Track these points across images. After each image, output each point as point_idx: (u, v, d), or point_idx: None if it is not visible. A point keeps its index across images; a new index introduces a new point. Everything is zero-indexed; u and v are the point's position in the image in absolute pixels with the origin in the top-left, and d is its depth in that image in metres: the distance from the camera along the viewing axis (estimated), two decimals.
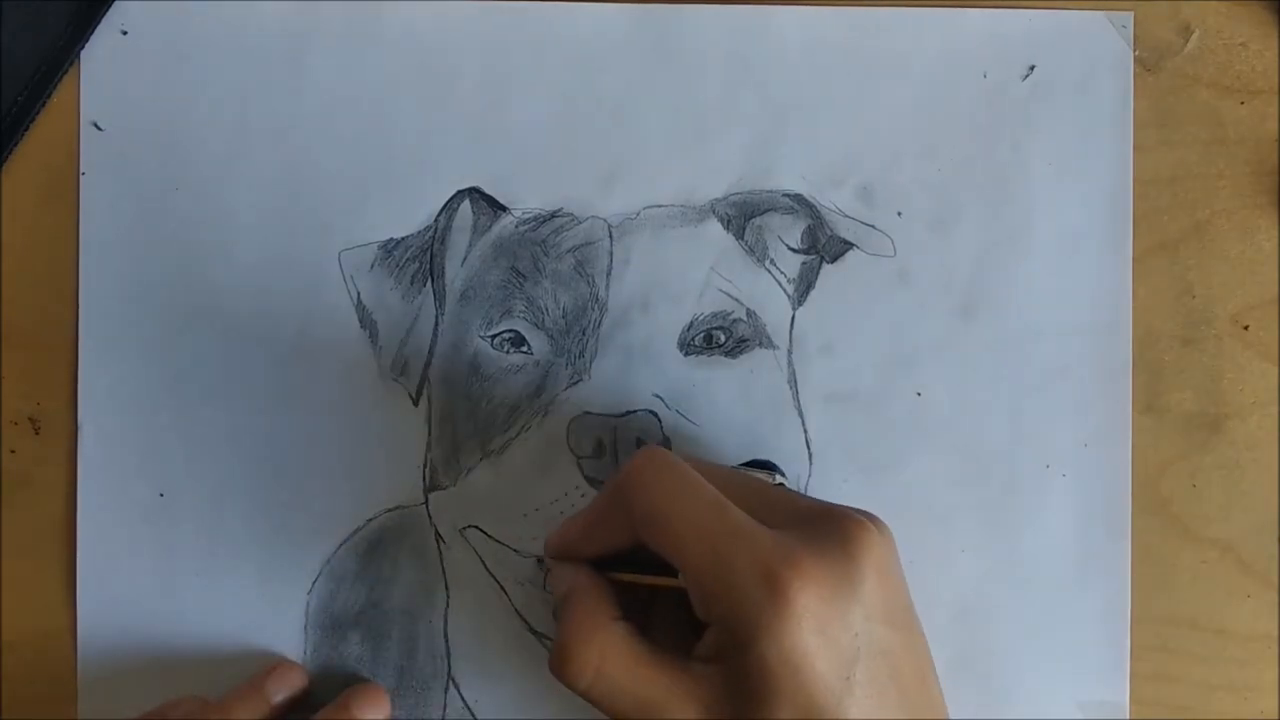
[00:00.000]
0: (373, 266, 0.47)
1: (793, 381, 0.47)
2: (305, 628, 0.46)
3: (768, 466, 0.45)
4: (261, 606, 0.46)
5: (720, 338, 0.47)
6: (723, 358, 0.47)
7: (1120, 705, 0.47)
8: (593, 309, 0.46)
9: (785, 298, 0.47)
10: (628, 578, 0.40)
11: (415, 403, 0.47)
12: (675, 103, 0.47)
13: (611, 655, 0.37)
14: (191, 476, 0.46)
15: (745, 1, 0.47)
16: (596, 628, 0.38)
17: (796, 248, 0.47)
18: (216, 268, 0.47)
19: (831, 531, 0.36)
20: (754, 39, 0.47)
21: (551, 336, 0.46)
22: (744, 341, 0.47)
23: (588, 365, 0.46)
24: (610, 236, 0.47)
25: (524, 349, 0.46)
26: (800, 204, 0.47)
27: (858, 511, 0.37)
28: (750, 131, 0.47)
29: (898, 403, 0.47)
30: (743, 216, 0.47)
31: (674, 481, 0.37)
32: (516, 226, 0.47)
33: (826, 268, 0.47)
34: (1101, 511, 0.47)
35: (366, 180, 0.47)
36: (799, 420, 0.47)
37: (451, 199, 0.47)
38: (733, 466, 0.43)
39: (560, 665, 0.37)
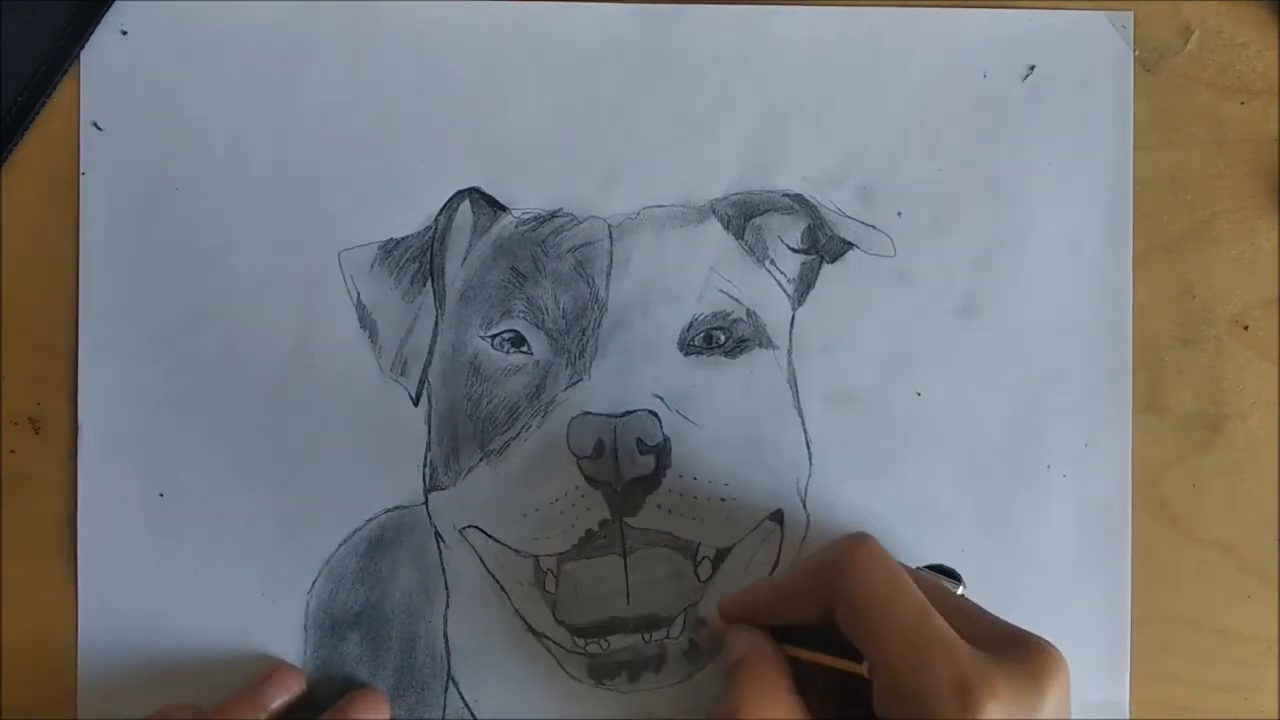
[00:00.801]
0: (373, 266, 0.47)
1: (793, 381, 0.47)
2: (305, 628, 0.46)
3: (951, 574, 0.44)
4: (261, 606, 0.46)
5: (720, 338, 0.47)
6: (723, 358, 0.47)
7: (1120, 705, 0.47)
8: (593, 309, 0.46)
9: (785, 298, 0.47)
10: (810, 655, 0.40)
11: (415, 403, 0.47)
12: (675, 103, 0.47)
13: None
14: (191, 476, 0.46)
15: (745, 1, 0.47)
16: (776, 702, 0.39)
17: (796, 248, 0.47)
18: (216, 267, 0.47)
19: (1025, 657, 0.37)
20: (754, 39, 0.47)
21: (551, 336, 0.46)
22: (744, 341, 0.47)
23: (588, 365, 0.46)
24: (610, 236, 0.47)
25: (524, 349, 0.46)
26: (800, 204, 0.47)
27: (1044, 642, 0.38)
28: (750, 131, 0.47)
29: (898, 403, 0.47)
30: (743, 216, 0.47)
31: (884, 575, 0.38)
32: (516, 226, 0.47)
33: (826, 268, 0.47)
34: (1101, 511, 0.47)
35: (366, 180, 0.47)
36: (799, 420, 0.47)
37: (451, 199, 0.47)
38: (918, 568, 0.43)
39: None
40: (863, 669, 0.38)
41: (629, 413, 0.45)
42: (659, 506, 0.45)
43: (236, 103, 0.47)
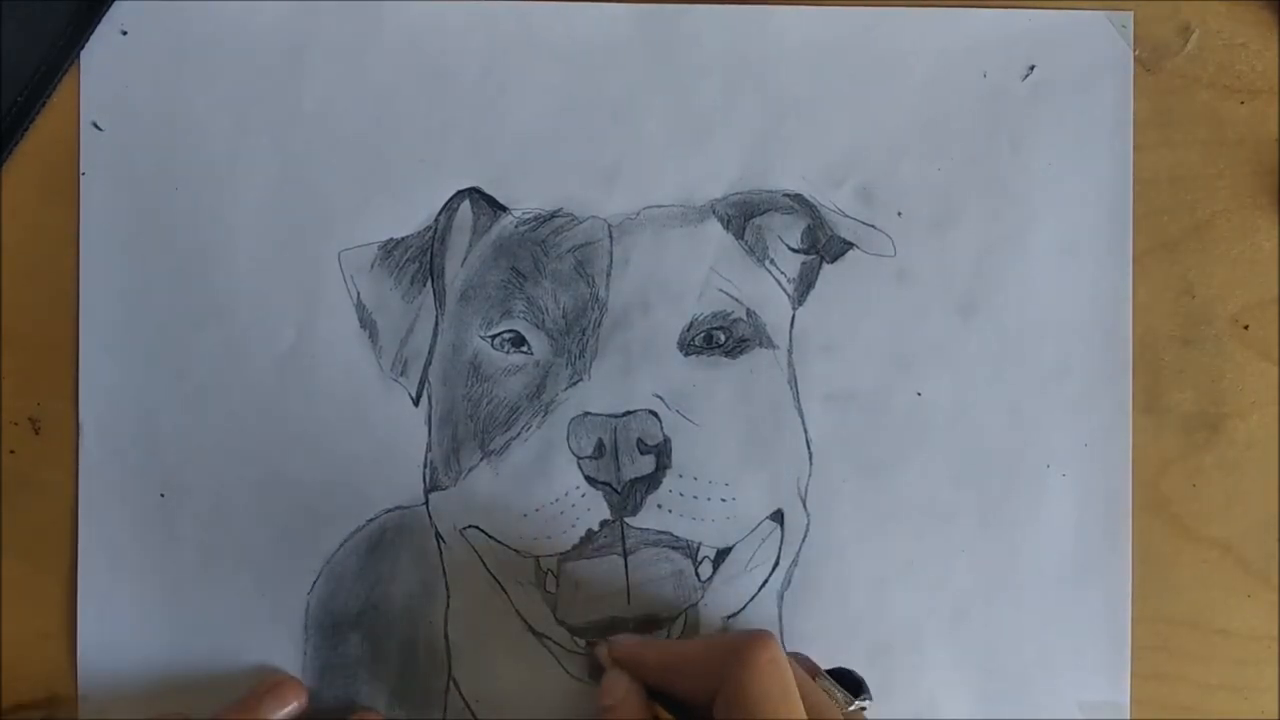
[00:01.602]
0: (373, 266, 0.47)
1: (793, 381, 0.47)
2: (305, 628, 0.46)
3: (855, 684, 0.44)
4: (261, 606, 0.46)
5: (720, 338, 0.47)
6: (723, 358, 0.47)
7: (1120, 705, 0.47)
8: (593, 309, 0.46)
9: (785, 298, 0.47)
10: None
11: (415, 403, 0.47)
12: (675, 103, 0.47)
13: None
14: (191, 476, 0.46)
15: (745, 1, 0.47)
16: None
17: (796, 248, 0.47)
18: (216, 268, 0.47)
19: None
20: (754, 39, 0.47)
21: (551, 336, 0.46)
22: (744, 341, 0.47)
23: (588, 365, 0.46)
24: (610, 236, 0.47)
25: (524, 349, 0.46)
26: (800, 204, 0.47)
27: None
28: (750, 131, 0.47)
29: (898, 403, 0.47)
30: (743, 216, 0.47)
31: (776, 686, 0.39)
32: (516, 226, 0.47)
33: (826, 268, 0.47)
34: (1101, 511, 0.47)
35: (366, 180, 0.47)
36: (799, 420, 0.47)
37: (451, 199, 0.47)
38: (825, 670, 0.43)
39: None
40: None
41: (629, 413, 0.45)
42: (659, 506, 0.45)
43: (236, 102, 0.47)
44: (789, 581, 0.47)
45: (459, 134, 0.47)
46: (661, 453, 0.45)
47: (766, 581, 0.47)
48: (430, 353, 0.47)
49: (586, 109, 0.47)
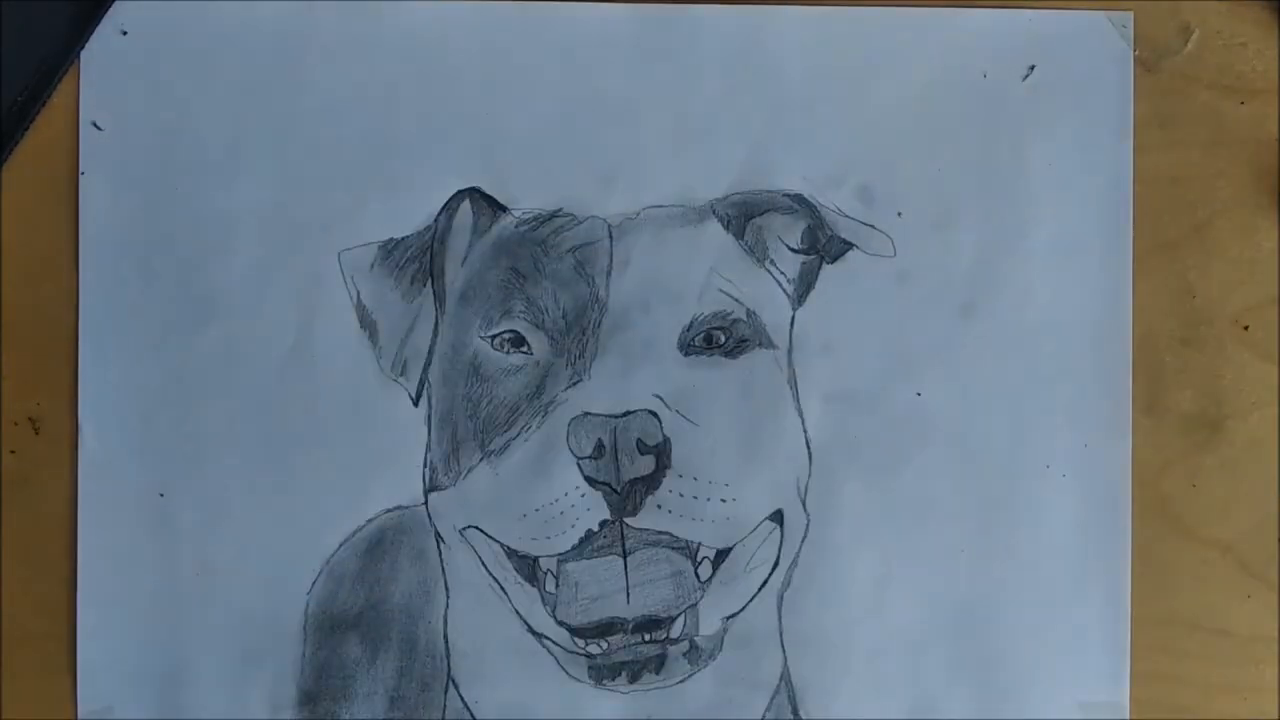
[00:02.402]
0: (373, 266, 0.47)
1: (793, 381, 0.47)
2: (304, 628, 0.46)
3: None
4: (261, 606, 0.46)
5: (720, 338, 0.47)
6: (723, 358, 0.47)
7: (1120, 705, 0.47)
8: (593, 309, 0.46)
9: (785, 298, 0.47)
10: None
11: (415, 403, 0.47)
12: (675, 103, 0.47)
13: None
14: (191, 476, 0.46)
15: (745, 1, 0.47)
16: None
17: (796, 248, 0.47)
18: (216, 268, 0.47)
19: None
20: (754, 39, 0.47)
21: (551, 337, 0.46)
22: (744, 341, 0.47)
23: (588, 365, 0.46)
24: (610, 236, 0.47)
25: (524, 349, 0.46)
26: (800, 204, 0.47)
27: None
28: (750, 131, 0.47)
29: (898, 403, 0.47)
30: (743, 216, 0.47)
31: None
32: (516, 226, 0.47)
33: (826, 268, 0.47)
34: (1101, 511, 0.47)
35: (366, 180, 0.47)
36: (799, 420, 0.47)
37: (451, 199, 0.47)
38: None
39: None
40: None
41: (629, 413, 0.45)
42: (659, 507, 0.45)
43: (236, 103, 0.47)
44: (789, 582, 0.47)
45: (459, 134, 0.47)
46: (661, 453, 0.45)
47: (766, 582, 0.47)
48: (430, 353, 0.47)
49: (586, 109, 0.47)
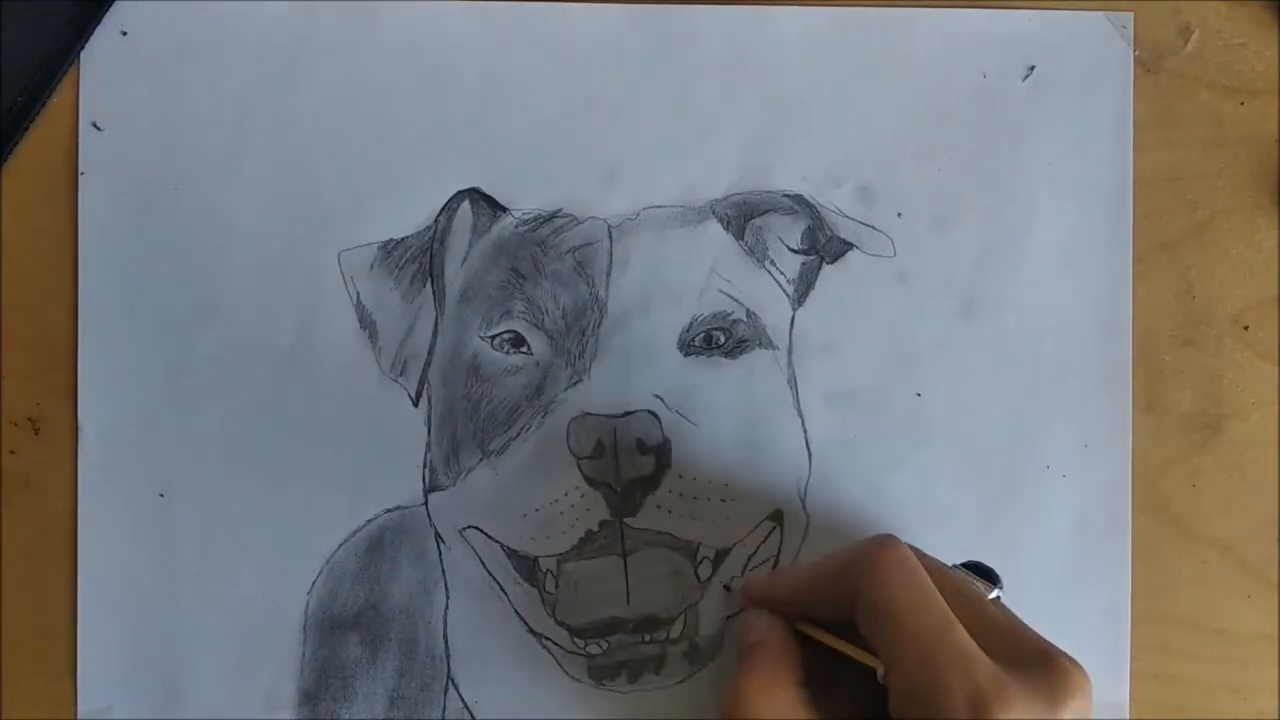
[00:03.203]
0: (373, 266, 0.47)
1: (793, 381, 0.47)
2: (305, 628, 0.46)
3: (988, 575, 0.43)
4: (261, 606, 0.46)
5: (720, 338, 0.47)
6: (722, 358, 0.47)
7: (1120, 705, 0.47)
8: (592, 309, 0.46)
9: (785, 298, 0.47)
10: (826, 637, 0.41)
11: (415, 403, 0.47)
12: (675, 103, 0.47)
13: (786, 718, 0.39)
14: (191, 476, 0.46)
15: (745, 1, 0.47)
16: (780, 688, 0.39)
17: (796, 248, 0.47)
18: (216, 268, 0.47)
19: (1046, 674, 0.37)
20: (754, 39, 0.47)
21: (551, 337, 0.46)
22: (744, 342, 0.47)
23: (587, 366, 0.46)
24: (610, 237, 0.47)
25: (524, 349, 0.46)
26: (800, 204, 0.47)
27: (1067, 658, 0.38)
28: (750, 131, 0.47)
29: (898, 403, 0.47)
30: (743, 217, 0.47)
31: (909, 584, 0.38)
32: (516, 227, 0.47)
33: (826, 268, 0.47)
34: (1101, 511, 0.47)
35: (366, 180, 0.47)
36: (799, 420, 0.47)
37: (451, 199, 0.47)
38: (953, 565, 0.42)
39: (734, 709, 0.39)
40: (877, 665, 0.38)
41: (629, 413, 0.45)
42: (659, 507, 0.45)
43: (236, 102, 0.47)
44: None
45: (459, 134, 0.47)
46: (661, 453, 0.45)
47: None
48: (430, 353, 0.47)
49: (586, 109, 0.47)
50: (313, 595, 0.47)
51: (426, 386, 0.47)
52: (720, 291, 0.47)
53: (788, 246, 0.47)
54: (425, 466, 0.47)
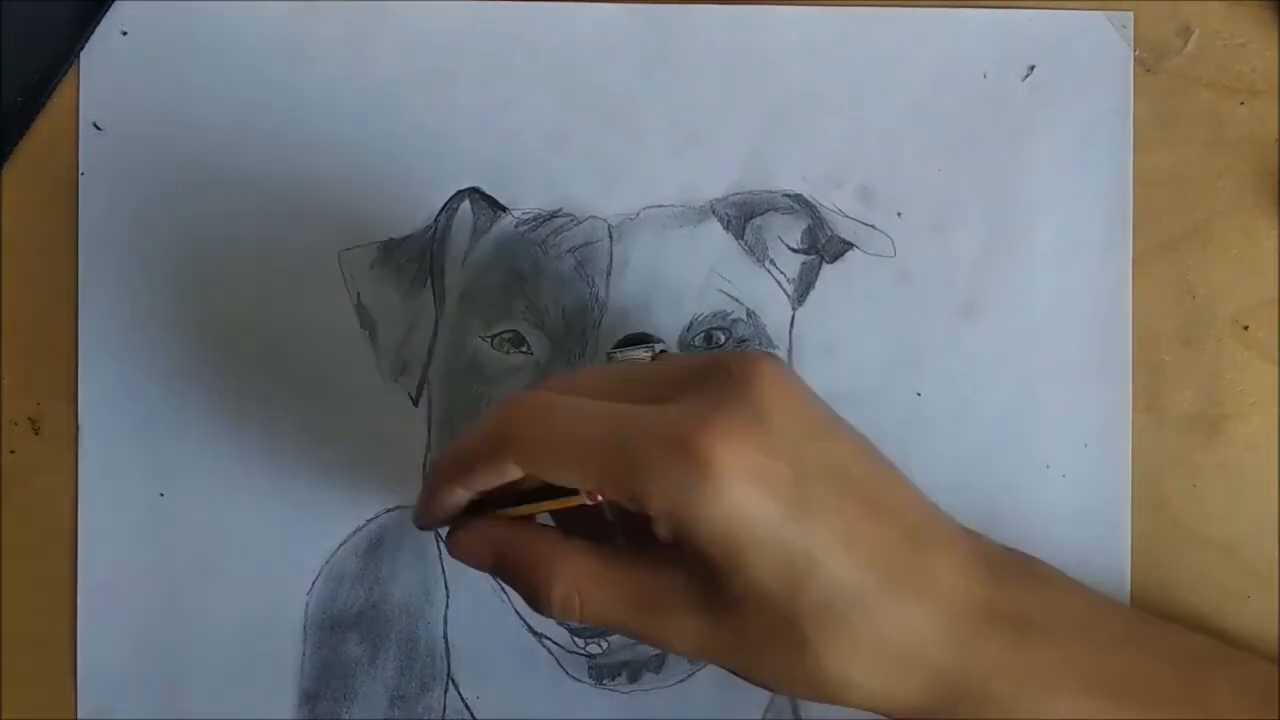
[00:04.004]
0: (373, 266, 0.47)
1: None
2: (305, 628, 0.46)
3: (643, 340, 0.41)
4: (261, 606, 0.46)
5: (720, 338, 0.47)
6: None
7: None
8: (593, 309, 0.46)
9: (785, 298, 0.47)
10: (527, 509, 0.37)
11: (415, 403, 0.47)
12: (675, 103, 0.47)
13: (583, 575, 0.35)
14: (191, 476, 0.46)
15: (745, 1, 0.47)
16: (559, 555, 0.36)
17: (796, 248, 0.47)
18: (217, 267, 0.47)
19: (723, 379, 0.34)
20: (754, 39, 0.47)
21: (552, 337, 0.46)
22: (744, 342, 0.47)
23: (588, 365, 0.46)
24: (610, 237, 0.47)
25: (524, 349, 0.46)
26: (800, 204, 0.47)
27: (733, 353, 0.35)
28: (750, 131, 0.47)
29: (898, 403, 0.47)
30: (743, 217, 0.47)
31: (558, 421, 0.34)
32: (516, 227, 0.47)
33: (826, 268, 0.47)
34: (1101, 511, 0.47)
35: (366, 180, 0.47)
36: None
37: (451, 199, 0.47)
38: (608, 352, 0.41)
39: (543, 605, 0.36)
40: (584, 498, 0.35)
41: None
42: None
43: (237, 102, 0.47)
44: None
45: (459, 134, 0.47)
46: None
47: None
48: (430, 353, 0.47)
49: (586, 109, 0.47)
50: (313, 595, 0.46)
51: (427, 386, 0.47)
52: (720, 291, 0.47)
53: (788, 246, 0.47)
54: (425, 466, 0.46)
